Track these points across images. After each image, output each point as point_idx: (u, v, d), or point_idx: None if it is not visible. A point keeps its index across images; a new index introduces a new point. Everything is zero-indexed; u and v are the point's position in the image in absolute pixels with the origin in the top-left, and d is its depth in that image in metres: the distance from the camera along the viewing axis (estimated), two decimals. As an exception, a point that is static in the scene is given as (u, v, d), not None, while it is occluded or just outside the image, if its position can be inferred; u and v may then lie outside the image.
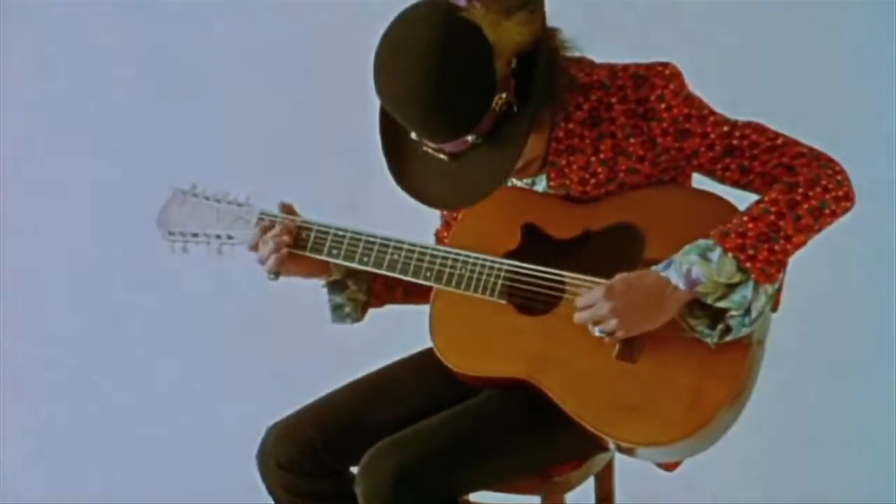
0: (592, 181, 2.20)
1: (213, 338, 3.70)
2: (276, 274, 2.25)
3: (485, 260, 2.22)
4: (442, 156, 2.07)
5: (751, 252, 2.05)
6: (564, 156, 2.18)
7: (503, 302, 2.22)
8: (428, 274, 2.23)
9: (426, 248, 2.24)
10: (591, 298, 2.08)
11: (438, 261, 2.23)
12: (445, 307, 2.24)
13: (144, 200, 2.47)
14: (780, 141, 2.14)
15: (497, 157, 2.03)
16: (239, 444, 2.53)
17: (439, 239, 2.47)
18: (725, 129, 2.14)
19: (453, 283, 2.22)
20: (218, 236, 2.34)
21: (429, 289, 2.28)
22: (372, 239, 2.26)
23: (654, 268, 2.06)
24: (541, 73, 2.03)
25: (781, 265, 2.07)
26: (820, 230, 2.09)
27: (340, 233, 2.27)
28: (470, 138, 2.03)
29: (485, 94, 2.01)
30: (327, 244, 2.28)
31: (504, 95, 2.03)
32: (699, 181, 2.28)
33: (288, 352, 3.65)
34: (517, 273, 2.20)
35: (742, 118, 2.18)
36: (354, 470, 2.19)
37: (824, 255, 2.44)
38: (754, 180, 2.14)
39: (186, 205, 2.35)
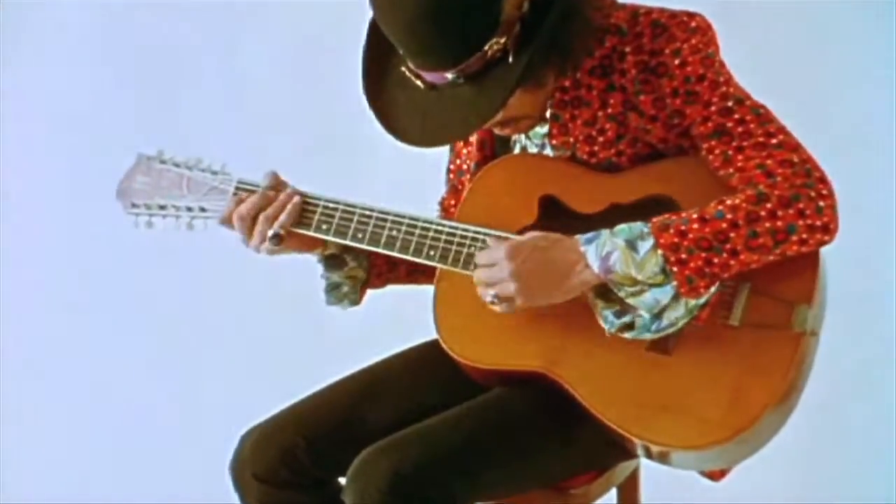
0: (600, 139, 2.09)
1: (173, 327, 3.71)
2: (275, 249, 2.17)
3: (497, 236, 2.10)
4: (419, 83, 1.99)
5: (683, 255, 1.94)
6: (569, 109, 2.09)
7: (517, 284, 2.08)
8: (431, 253, 2.12)
9: (430, 222, 2.14)
10: (492, 257, 2.01)
11: (444, 237, 2.12)
12: (451, 290, 2.13)
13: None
14: (775, 140, 2.00)
15: (475, 104, 1.96)
16: (208, 450, 2.49)
17: (445, 209, 2.37)
18: (729, 104, 2.02)
19: (461, 263, 2.11)
20: (189, 209, 2.22)
21: (435, 268, 2.18)
22: (367, 212, 2.15)
23: (578, 237, 1.98)
24: (551, 25, 1.95)
25: (713, 281, 1.96)
26: (782, 255, 1.96)
27: (331, 205, 2.17)
28: (449, 75, 1.95)
29: (480, 32, 1.93)
30: (315, 218, 2.18)
31: (502, 40, 1.94)
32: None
33: (264, 342, 3.62)
34: None
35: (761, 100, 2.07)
36: (343, 481, 2.09)
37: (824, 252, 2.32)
38: (733, 175, 2.01)
39: (152, 173, 2.24)
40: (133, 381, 3.73)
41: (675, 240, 1.95)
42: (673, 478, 2.28)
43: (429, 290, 2.18)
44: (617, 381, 2.04)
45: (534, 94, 2.05)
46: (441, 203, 2.39)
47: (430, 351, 2.20)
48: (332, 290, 2.28)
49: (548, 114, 2.12)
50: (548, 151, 2.17)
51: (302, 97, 3.65)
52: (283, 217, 2.16)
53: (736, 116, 2.02)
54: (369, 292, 2.33)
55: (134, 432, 3.70)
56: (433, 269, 2.19)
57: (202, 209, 2.23)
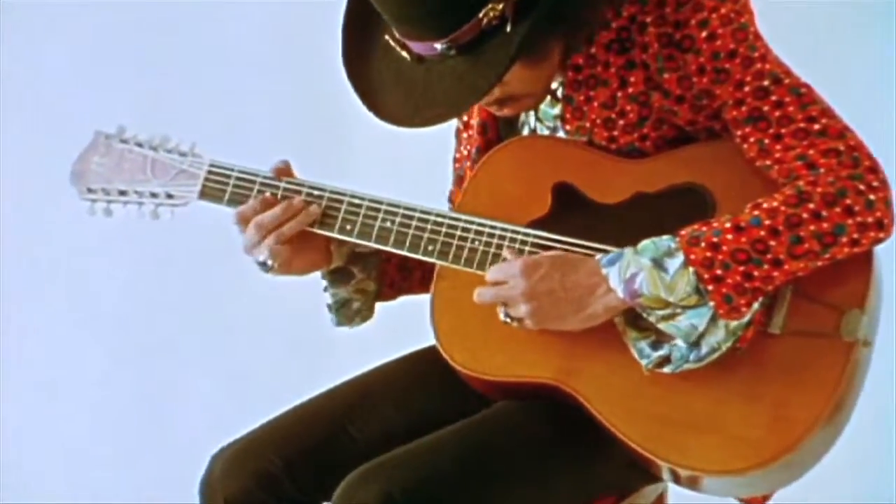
0: (620, 122, 2.00)
1: (140, 331, 3.68)
2: (277, 268, 2.08)
3: (504, 230, 2.02)
4: (405, 54, 1.92)
5: (718, 272, 1.86)
6: (583, 89, 2.00)
7: (527, 284, 2.07)
8: (430, 248, 2.03)
9: (428, 213, 2.05)
10: (505, 272, 1.95)
11: (444, 230, 2.03)
12: (452, 291, 2.05)
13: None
14: (818, 125, 1.92)
15: (468, 79, 1.89)
16: (175, 470, 2.48)
17: (453, 203, 2.29)
18: (764, 84, 1.93)
19: (462, 259, 2.03)
20: (154, 195, 2.13)
21: None
22: (356, 200, 2.07)
23: (599, 257, 1.92)
24: None
25: (755, 297, 1.88)
26: (832, 259, 1.89)
27: (315, 192, 2.09)
28: (438, 46, 1.88)
29: None
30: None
31: (500, 6, 1.86)
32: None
33: (238, 352, 3.54)
34: (546, 248, 2.02)
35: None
36: (326, 506, 2.07)
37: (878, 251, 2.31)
38: (771, 167, 1.93)
39: (112, 153, 2.15)
40: (93, 387, 3.72)
41: (708, 254, 1.86)
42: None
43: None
44: (640, 395, 1.95)
45: (536, 68, 1.96)
46: (449, 198, 2.31)
47: (426, 359, 2.12)
48: (341, 307, 2.21)
49: (559, 94, 2.04)
50: (562, 135, 2.10)
51: (277, 72, 3.63)
52: (287, 226, 2.06)
53: (773, 99, 1.93)
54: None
55: (90, 445, 3.68)
56: None
57: (169, 195, 2.14)
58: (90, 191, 2.15)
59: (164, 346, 3.68)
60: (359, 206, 2.06)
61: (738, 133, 1.94)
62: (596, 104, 2.01)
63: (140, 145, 2.14)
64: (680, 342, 1.90)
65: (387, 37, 1.94)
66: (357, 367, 2.25)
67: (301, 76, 3.53)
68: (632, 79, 1.99)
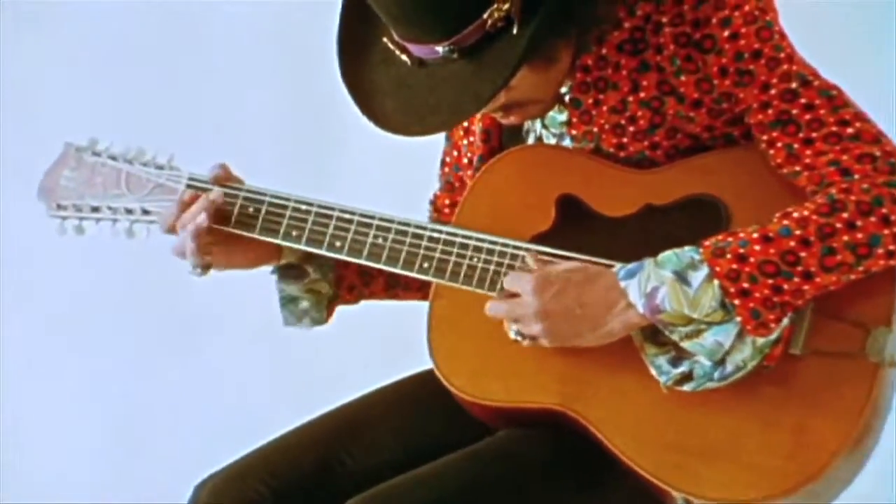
0: (630, 129, 1.96)
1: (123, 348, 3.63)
2: (204, 268, 2.06)
3: (505, 245, 1.98)
4: (405, 58, 1.88)
5: (745, 285, 1.81)
6: (592, 92, 1.96)
7: (530, 304, 2.06)
8: (425, 265, 1.99)
9: (423, 228, 2.01)
10: (516, 287, 1.92)
11: (440, 247, 1.99)
12: (450, 310, 2.02)
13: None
14: (851, 129, 1.87)
15: (471, 84, 1.85)
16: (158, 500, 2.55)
17: (438, 209, 2.27)
18: (792, 86, 1.88)
19: (460, 278, 1.99)
20: (129, 211, 2.09)
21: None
22: (347, 216, 2.02)
23: (617, 268, 1.88)
24: None
25: (784, 312, 1.84)
26: (866, 272, 1.85)
27: (303, 206, 2.04)
28: (440, 49, 1.84)
29: None
30: (285, 222, 2.05)
31: (505, 6, 1.82)
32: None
33: (228, 374, 3.50)
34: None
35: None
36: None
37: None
38: (800, 174, 1.89)
39: (83, 167, 2.11)
40: (65, 424, 3.70)
41: (734, 266, 1.81)
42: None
43: (423, 307, 2.07)
44: (652, 421, 1.91)
45: (544, 72, 1.92)
46: (433, 202, 2.27)
47: (423, 383, 2.09)
48: (289, 304, 2.17)
49: (566, 98, 2.00)
50: (566, 143, 2.06)
51: (268, 77, 3.61)
52: (183, 241, 2.03)
53: (802, 101, 1.88)
54: (341, 309, 2.22)
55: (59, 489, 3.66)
56: (416, 281, 2.10)
57: (145, 211, 2.10)
58: (60, 207, 2.11)
59: (146, 368, 3.67)
60: (349, 220, 2.03)
61: (764, 138, 1.90)
62: (605, 108, 1.97)
63: (114, 158, 2.11)
64: (703, 360, 1.86)
65: (385, 40, 1.90)
66: (352, 391, 2.22)
67: (293, 82, 3.52)
68: (644, 82, 1.95)
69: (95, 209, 2.10)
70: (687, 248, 1.84)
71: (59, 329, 3.71)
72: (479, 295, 1.98)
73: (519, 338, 1.93)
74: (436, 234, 2.00)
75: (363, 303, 2.25)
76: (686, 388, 1.87)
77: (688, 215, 1.94)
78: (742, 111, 1.92)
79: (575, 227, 1.99)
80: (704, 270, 1.82)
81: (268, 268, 2.18)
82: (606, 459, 1.91)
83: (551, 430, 1.96)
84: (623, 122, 1.97)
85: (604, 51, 1.95)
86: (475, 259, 1.98)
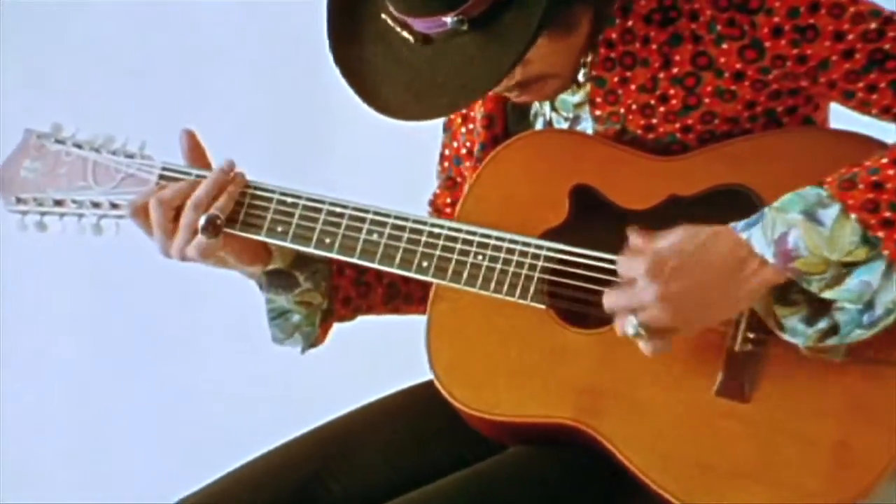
0: (661, 109, 1.89)
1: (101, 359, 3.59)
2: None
3: (514, 242, 1.90)
4: (407, 35, 1.81)
5: (887, 214, 1.71)
6: (618, 69, 1.90)
7: (541, 307, 1.92)
8: (424, 264, 1.91)
9: (422, 222, 1.93)
10: (632, 272, 1.80)
11: (441, 244, 1.91)
12: (452, 315, 1.94)
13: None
14: None
15: (483, 59, 1.78)
16: None
17: (438, 209, 2.20)
18: (873, 25, 1.82)
19: (463, 278, 1.91)
20: (96, 204, 1.99)
21: (427, 289, 1.99)
22: (338, 210, 1.93)
23: (731, 225, 1.77)
24: None
25: None
26: None
27: (289, 199, 1.94)
28: (448, 20, 1.76)
29: None
30: (269, 216, 1.95)
31: None
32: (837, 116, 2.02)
33: (206, 391, 3.45)
34: (563, 263, 1.90)
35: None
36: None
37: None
38: None
39: (46, 156, 2.01)
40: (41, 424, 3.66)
41: (870, 195, 1.70)
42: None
43: (421, 318, 2.00)
44: (676, 437, 1.84)
45: (563, 42, 1.84)
46: (432, 202, 2.21)
47: (420, 396, 2.03)
48: (277, 317, 2.08)
49: (580, 75, 1.92)
50: (586, 126, 1.96)
51: (254, 61, 3.54)
52: (221, 200, 1.91)
53: (891, 35, 1.81)
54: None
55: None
56: (419, 292, 2.08)
57: (113, 205, 2.00)
58: (20, 201, 2.03)
59: (119, 385, 3.64)
60: (340, 215, 1.94)
61: (860, 85, 1.82)
62: (633, 87, 1.90)
63: (79, 146, 2.01)
64: (849, 305, 1.75)
65: (383, 16, 1.82)
66: (343, 406, 2.14)
67: (279, 64, 3.48)
68: (677, 57, 1.87)
69: (59, 203, 2.01)
70: (808, 186, 1.74)
71: (47, 330, 3.68)
72: (483, 297, 1.90)
73: (640, 338, 1.78)
74: (436, 230, 1.92)
75: (361, 318, 2.18)
76: (831, 341, 1.75)
77: (716, 208, 1.84)
78: (815, 67, 1.83)
79: (591, 221, 1.92)
80: (836, 206, 1.72)
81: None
82: (626, 480, 1.83)
83: (565, 448, 1.89)
84: (653, 101, 1.90)
85: (630, 23, 1.88)
86: (480, 257, 1.90)
